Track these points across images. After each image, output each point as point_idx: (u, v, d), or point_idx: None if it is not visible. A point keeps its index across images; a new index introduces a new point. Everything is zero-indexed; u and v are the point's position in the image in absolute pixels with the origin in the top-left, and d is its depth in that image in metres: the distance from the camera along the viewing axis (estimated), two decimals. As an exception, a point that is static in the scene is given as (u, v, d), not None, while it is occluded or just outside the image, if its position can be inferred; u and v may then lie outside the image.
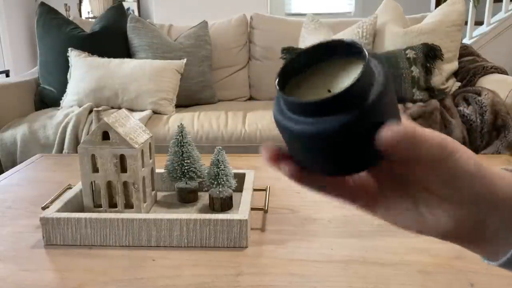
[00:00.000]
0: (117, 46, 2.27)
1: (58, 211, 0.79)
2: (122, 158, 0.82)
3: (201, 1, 3.84)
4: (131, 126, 0.85)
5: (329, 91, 0.26)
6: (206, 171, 0.91)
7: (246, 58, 2.48)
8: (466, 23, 3.41)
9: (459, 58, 2.22)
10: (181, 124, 0.90)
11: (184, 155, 0.89)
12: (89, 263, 0.71)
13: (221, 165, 0.87)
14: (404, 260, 0.71)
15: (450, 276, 0.66)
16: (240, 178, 0.97)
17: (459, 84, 2.19)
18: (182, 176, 0.90)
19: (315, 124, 0.24)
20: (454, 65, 2.18)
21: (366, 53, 0.24)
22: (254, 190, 0.94)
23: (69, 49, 2.17)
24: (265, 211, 0.85)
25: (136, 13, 4.58)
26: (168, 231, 0.75)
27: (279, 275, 0.67)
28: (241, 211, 0.77)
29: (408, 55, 2.01)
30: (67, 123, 1.87)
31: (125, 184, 0.84)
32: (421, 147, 0.26)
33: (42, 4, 2.30)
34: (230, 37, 2.42)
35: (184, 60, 2.17)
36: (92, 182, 0.84)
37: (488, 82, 2.01)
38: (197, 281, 0.65)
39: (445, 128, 1.78)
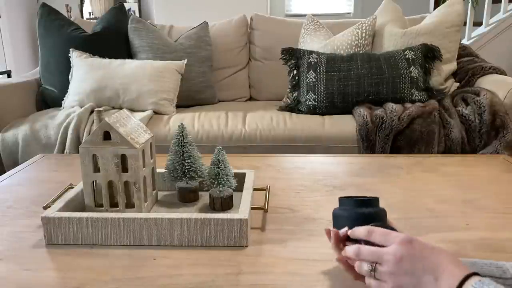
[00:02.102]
0: (118, 47, 2.28)
1: (60, 210, 0.79)
2: (123, 158, 0.82)
3: (201, 2, 3.85)
4: (132, 126, 0.86)
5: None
6: (206, 170, 0.91)
7: (246, 59, 2.49)
8: (465, 24, 3.42)
9: (458, 59, 2.23)
10: (181, 124, 0.91)
11: (184, 155, 0.90)
12: (90, 263, 0.71)
13: (221, 165, 0.87)
14: (402, 259, 0.71)
15: (448, 275, 0.67)
16: (240, 178, 0.98)
17: (457, 84, 2.20)
18: (182, 175, 0.91)
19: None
20: (453, 66, 2.18)
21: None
22: (254, 189, 0.95)
23: (71, 49, 2.18)
24: (265, 211, 0.86)
25: (137, 14, 4.59)
26: (169, 231, 0.76)
27: (279, 274, 0.67)
28: (241, 211, 0.78)
29: (407, 56, 2.02)
30: (69, 123, 1.88)
31: (126, 183, 0.84)
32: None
33: (44, 5, 2.30)
34: (231, 38, 2.43)
35: (185, 61, 2.18)
36: (93, 181, 0.85)
37: (487, 82, 2.01)
38: (197, 280, 0.66)
39: (444, 128, 1.78)
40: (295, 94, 2.08)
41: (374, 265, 0.53)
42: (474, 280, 0.45)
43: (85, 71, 2.09)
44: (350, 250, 0.56)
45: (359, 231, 0.57)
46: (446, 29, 2.14)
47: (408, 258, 0.50)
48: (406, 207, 0.92)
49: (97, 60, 2.13)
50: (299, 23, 2.43)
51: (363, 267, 0.54)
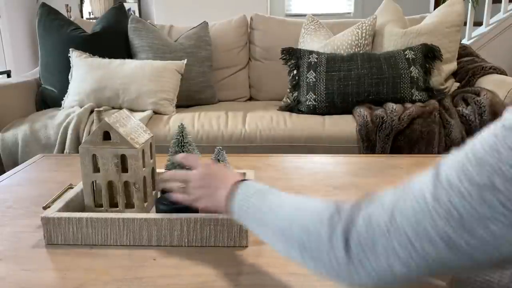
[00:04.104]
0: (118, 47, 2.27)
1: (59, 210, 0.79)
2: (123, 158, 0.82)
3: (201, 2, 3.85)
4: (132, 126, 0.86)
5: None
6: (206, 171, 0.91)
7: (246, 59, 2.49)
8: (465, 23, 3.42)
9: (458, 59, 2.23)
10: (181, 124, 0.91)
11: (184, 155, 0.90)
12: (90, 263, 0.71)
13: (221, 165, 0.87)
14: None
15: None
16: (240, 178, 0.97)
17: (458, 84, 2.20)
18: (182, 176, 0.91)
19: None
20: (453, 66, 2.18)
21: None
22: (254, 190, 0.95)
23: (70, 49, 2.18)
24: (265, 211, 0.86)
25: (137, 14, 4.59)
26: (169, 231, 0.76)
27: (279, 274, 0.67)
28: (241, 211, 0.78)
29: (407, 56, 2.02)
30: (68, 123, 1.87)
31: (126, 184, 0.84)
32: None
33: (43, 4, 2.30)
34: (231, 37, 2.43)
35: (185, 61, 2.18)
36: (93, 182, 0.84)
37: (487, 82, 2.01)
38: (197, 280, 0.66)
39: (444, 128, 1.78)
40: (295, 94, 2.07)
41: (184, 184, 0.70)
42: (241, 184, 0.62)
43: (85, 71, 2.09)
44: (167, 173, 0.72)
45: (177, 156, 0.74)
46: (446, 29, 2.14)
47: (206, 175, 0.67)
48: (406, 207, 0.92)
49: (97, 60, 2.13)
50: (299, 23, 2.43)
51: (175, 185, 0.72)
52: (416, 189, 0.40)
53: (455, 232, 0.36)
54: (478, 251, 0.36)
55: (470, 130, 1.77)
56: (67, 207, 0.82)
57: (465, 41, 3.58)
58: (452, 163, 0.38)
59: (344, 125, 1.84)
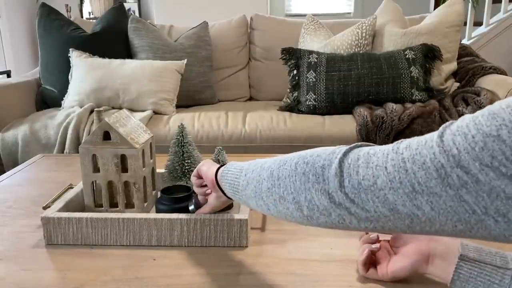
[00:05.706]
0: (118, 47, 2.27)
1: (59, 210, 0.79)
2: (123, 158, 0.82)
3: (201, 2, 3.84)
4: (132, 126, 0.86)
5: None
6: (206, 171, 0.91)
7: (246, 59, 2.49)
8: (465, 23, 3.42)
9: (458, 59, 2.23)
10: (181, 124, 0.91)
11: (184, 155, 0.90)
12: (90, 263, 0.71)
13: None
14: (403, 259, 0.71)
15: (448, 275, 0.67)
16: (240, 178, 0.97)
17: (458, 84, 2.20)
18: (182, 176, 0.91)
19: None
20: (453, 66, 2.18)
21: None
22: (254, 190, 0.95)
23: (70, 49, 2.18)
24: (265, 211, 0.86)
25: (137, 13, 4.59)
26: (169, 231, 0.76)
27: (279, 275, 0.67)
28: (241, 211, 0.78)
29: (407, 56, 2.02)
30: (68, 123, 1.87)
31: (126, 183, 0.84)
32: None
33: (43, 5, 2.30)
34: (231, 37, 2.43)
35: (185, 61, 2.18)
36: (93, 182, 0.84)
37: (487, 82, 2.01)
38: (197, 280, 0.66)
39: (445, 128, 1.78)
40: (295, 94, 2.07)
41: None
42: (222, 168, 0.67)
43: (85, 71, 2.09)
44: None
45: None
46: (446, 29, 2.14)
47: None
48: (406, 207, 0.92)
49: (97, 60, 2.13)
50: (299, 23, 2.43)
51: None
52: (428, 135, 0.42)
53: (450, 166, 0.37)
54: (469, 189, 0.36)
55: (470, 130, 1.77)
56: (67, 207, 0.82)
57: (465, 41, 3.58)
58: (467, 117, 0.39)
59: (344, 125, 1.84)
